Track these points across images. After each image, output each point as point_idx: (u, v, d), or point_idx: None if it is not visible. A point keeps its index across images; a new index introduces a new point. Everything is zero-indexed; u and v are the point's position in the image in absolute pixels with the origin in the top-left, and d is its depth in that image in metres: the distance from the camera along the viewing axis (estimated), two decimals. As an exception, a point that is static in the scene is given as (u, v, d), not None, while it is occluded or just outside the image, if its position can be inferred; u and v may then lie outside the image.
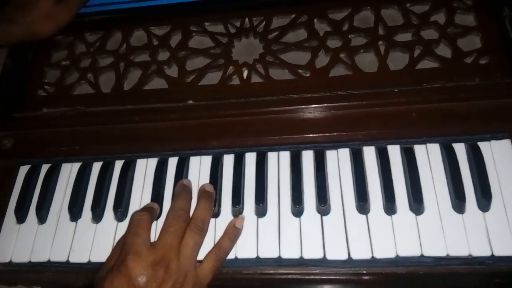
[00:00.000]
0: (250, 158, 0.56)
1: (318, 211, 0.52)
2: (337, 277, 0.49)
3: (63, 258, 0.54)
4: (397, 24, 0.61)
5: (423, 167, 0.52)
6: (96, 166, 0.59)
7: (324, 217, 0.51)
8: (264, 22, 0.65)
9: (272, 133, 0.57)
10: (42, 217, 0.57)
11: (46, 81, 0.67)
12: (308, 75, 0.59)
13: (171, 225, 0.49)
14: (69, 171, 0.60)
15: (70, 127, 0.62)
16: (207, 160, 0.57)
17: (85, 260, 0.53)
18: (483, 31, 0.58)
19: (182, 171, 0.57)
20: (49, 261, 0.54)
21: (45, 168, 0.60)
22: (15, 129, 0.63)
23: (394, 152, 0.54)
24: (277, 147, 0.57)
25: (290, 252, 0.50)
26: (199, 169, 0.57)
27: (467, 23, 0.59)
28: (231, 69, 0.62)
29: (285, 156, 0.56)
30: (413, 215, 0.50)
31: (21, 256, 0.55)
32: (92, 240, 0.54)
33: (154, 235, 0.52)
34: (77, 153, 0.61)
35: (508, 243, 0.47)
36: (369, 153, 0.54)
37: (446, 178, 0.51)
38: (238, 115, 0.58)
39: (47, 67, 0.68)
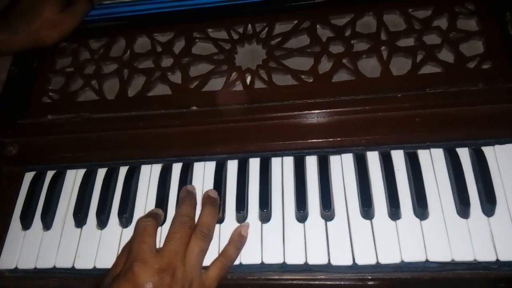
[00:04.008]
0: (254, 164, 0.57)
1: (322, 216, 0.52)
2: (342, 283, 0.49)
3: (68, 265, 0.54)
4: (399, 29, 0.61)
5: (427, 172, 0.52)
6: (101, 173, 0.60)
7: (328, 223, 0.51)
8: (267, 28, 0.65)
9: (276, 138, 0.57)
10: (47, 223, 0.57)
11: (50, 88, 0.67)
12: (311, 80, 0.60)
13: (177, 232, 0.49)
14: (74, 178, 0.60)
15: (74, 133, 0.62)
16: (211, 166, 0.57)
17: (90, 267, 0.54)
18: (486, 36, 0.58)
19: (186, 177, 0.57)
20: (54, 268, 0.54)
21: (50, 174, 0.61)
22: (20, 136, 0.63)
23: (398, 157, 0.54)
24: (281, 153, 0.57)
25: (295, 257, 0.50)
26: (203, 175, 0.57)
27: (470, 28, 0.60)
28: (234, 75, 0.62)
29: (289, 161, 0.56)
30: (417, 220, 0.50)
31: (26, 262, 0.55)
32: (97, 246, 0.55)
33: (159, 240, 0.52)
34: (81, 159, 0.61)
35: (513, 247, 0.47)
36: (373, 158, 0.54)
37: (450, 183, 0.51)
38: (242, 121, 0.58)
39: (51, 74, 0.68)
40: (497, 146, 0.52)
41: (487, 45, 0.58)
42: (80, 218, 0.56)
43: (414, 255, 0.48)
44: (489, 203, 0.48)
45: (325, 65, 0.61)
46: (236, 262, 0.51)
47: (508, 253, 0.47)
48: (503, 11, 0.59)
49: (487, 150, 0.52)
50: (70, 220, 0.57)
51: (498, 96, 0.54)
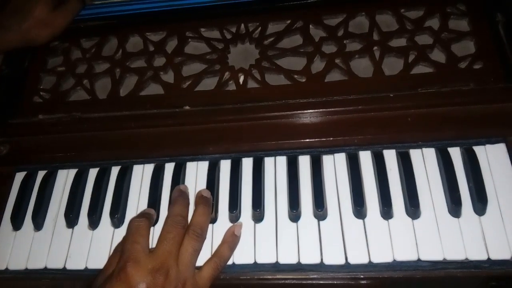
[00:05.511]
0: (247, 164, 0.56)
1: (315, 216, 0.52)
2: (335, 282, 0.49)
3: (59, 265, 0.54)
4: (391, 29, 0.61)
5: (419, 172, 0.52)
6: (93, 173, 0.59)
7: (321, 222, 0.51)
8: (260, 28, 0.65)
9: (269, 138, 0.57)
10: (38, 224, 0.56)
11: (42, 87, 0.67)
12: (303, 80, 0.60)
13: (170, 232, 0.49)
14: (65, 178, 0.60)
15: (66, 133, 0.62)
16: (204, 166, 0.57)
17: (82, 267, 0.53)
18: (477, 37, 0.59)
19: (179, 176, 0.57)
20: (45, 268, 0.54)
21: (41, 174, 0.60)
22: (11, 136, 0.63)
23: (390, 156, 0.54)
24: (274, 152, 0.57)
25: (288, 257, 0.50)
26: (196, 174, 0.57)
27: (461, 28, 0.60)
28: (227, 74, 0.62)
29: (282, 161, 0.56)
30: (409, 219, 0.50)
31: (17, 263, 0.55)
32: (89, 247, 0.54)
33: (151, 241, 0.52)
34: (73, 159, 0.61)
35: (504, 246, 0.47)
36: (365, 158, 0.54)
37: (442, 182, 0.51)
38: (235, 120, 0.58)
39: (43, 73, 0.68)
40: (488, 146, 0.53)
41: (479, 45, 0.58)
42: (71, 218, 0.56)
43: (406, 254, 0.48)
44: (480, 202, 0.49)
45: (318, 65, 0.61)
46: (229, 262, 0.51)
47: (499, 251, 0.47)
48: (494, 12, 0.59)
49: (478, 150, 0.52)
50: (62, 221, 0.56)
51: (489, 96, 0.54)
